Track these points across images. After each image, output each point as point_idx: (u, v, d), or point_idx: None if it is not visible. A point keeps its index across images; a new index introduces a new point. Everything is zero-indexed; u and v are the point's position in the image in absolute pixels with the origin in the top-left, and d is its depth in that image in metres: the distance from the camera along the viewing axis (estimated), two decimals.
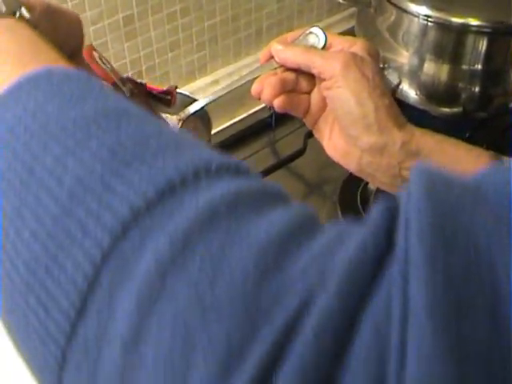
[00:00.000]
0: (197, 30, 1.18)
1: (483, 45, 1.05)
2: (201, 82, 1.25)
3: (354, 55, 0.75)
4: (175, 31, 1.15)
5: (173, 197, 0.36)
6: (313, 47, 0.79)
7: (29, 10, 0.56)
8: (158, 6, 1.10)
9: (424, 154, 0.74)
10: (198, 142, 0.42)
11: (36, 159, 0.38)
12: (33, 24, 0.56)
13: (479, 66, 1.06)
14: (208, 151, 0.40)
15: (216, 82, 1.25)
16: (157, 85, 1.14)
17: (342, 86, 0.74)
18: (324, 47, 0.79)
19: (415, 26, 1.08)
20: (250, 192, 0.38)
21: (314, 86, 0.78)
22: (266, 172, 1.12)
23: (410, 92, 1.14)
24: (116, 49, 1.09)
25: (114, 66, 1.07)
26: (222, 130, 1.24)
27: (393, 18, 1.11)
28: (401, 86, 1.15)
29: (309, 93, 0.80)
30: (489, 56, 1.06)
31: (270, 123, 1.25)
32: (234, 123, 1.25)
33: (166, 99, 0.85)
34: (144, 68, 1.15)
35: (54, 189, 0.37)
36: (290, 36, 0.82)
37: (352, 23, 1.28)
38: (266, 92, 0.77)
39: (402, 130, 0.75)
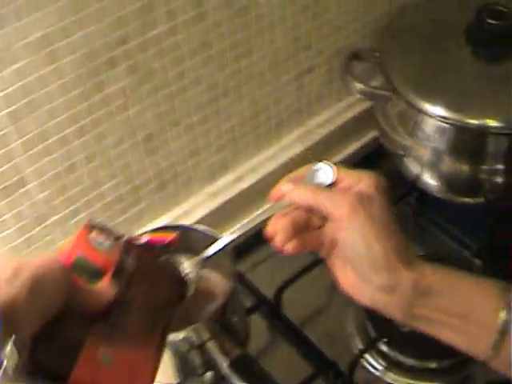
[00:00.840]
0: (215, 136, 1.19)
1: (502, 145, 1.05)
2: (223, 181, 1.26)
3: (361, 196, 0.75)
4: (194, 140, 1.17)
5: None
6: (321, 186, 0.79)
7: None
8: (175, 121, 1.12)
9: (435, 293, 0.75)
10: None
11: None
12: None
13: (500, 165, 1.06)
14: None
15: (239, 178, 1.26)
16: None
17: (349, 228, 0.74)
18: (332, 183, 0.79)
19: (432, 125, 1.08)
20: None
21: (325, 220, 0.78)
22: (300, 273, 1.14)
23: (431, 182, 1.15)
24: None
25: (137, 182, 1.10)
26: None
27: (409, 115, 1.11)
28: (422, 176, 1.15)
29: (321, 227, 0.80)
30: (509, 154, 1.05)
31: None
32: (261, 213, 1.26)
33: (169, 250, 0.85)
34: (166, 178, 1.17)
35: None
36: (299, 173, 0.82)
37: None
38: (279, 238, 0.77)
39: (412, 269, 0.75)
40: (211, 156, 1.22)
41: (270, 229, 0.79)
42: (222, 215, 1.22)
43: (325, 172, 0.80)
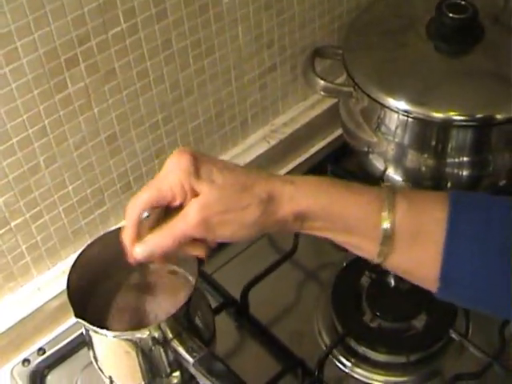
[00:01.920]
0: (181, 134, 1.19)
1: (466, 138, 1.05)
2: None
3: (201, 203, 0.74)
4: (159, 139, 1.16)
5: None
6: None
7: None
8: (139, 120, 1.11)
9: (313, 218, 0.76)
10: None
11: None
12: None
13: (464, 158, 1.06)
14: None
15: None
16: None
17: (214, 238, 0.77)
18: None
19: (395, 120, 1.07)
20: None
21: None
22: (265, 273, 1.13)
23: (397, 178, 1.14)
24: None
25: (101, 183, 1.09)
26: None
27: (373, 110, 1.10)
28: (387, 172, 1.15)
29: None
30: (473, 147, 1.06)
31: None
32: None
33: None
34: (132, 178, 1.16)
35: None
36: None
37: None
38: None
39: (287, 204, 0.76)
40: None
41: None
42: None
43: None
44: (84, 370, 1.08)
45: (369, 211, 0.75)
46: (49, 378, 1.09)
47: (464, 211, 0.74)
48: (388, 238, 0.74)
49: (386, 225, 0.73)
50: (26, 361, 1.08)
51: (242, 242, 1.20)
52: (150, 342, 0.85)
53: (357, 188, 0.78)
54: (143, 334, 0.84)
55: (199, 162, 0.75)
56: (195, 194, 0.74)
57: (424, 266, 0.74)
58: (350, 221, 0.75)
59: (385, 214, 0.74)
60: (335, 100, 1.31)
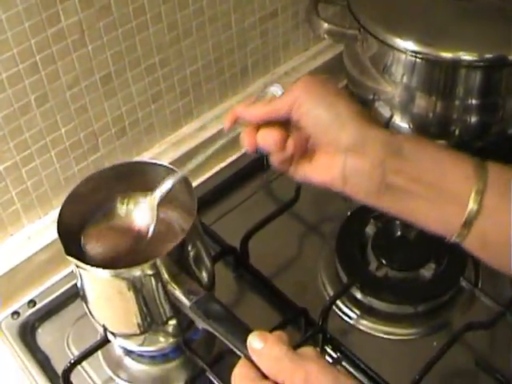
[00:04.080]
0: (179, 79, 1.14)
1: (475, 79, 1.01)
2: (188, 128, 1.20)
3: (311, 77, 0.75)
4: (156, 82, 1.11)
5: None
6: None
7: None
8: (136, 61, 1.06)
9: (407, 156, 0.72)
10: None
11: None
12: None
13: (473, 100, 1.03)
14: None
15: (204, 126, 1.21)
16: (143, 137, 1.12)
17: (307, 102, 0.73)
18: None
19: (402, 61, 1.04)
20: None
21: None
22: (265, 221, 1.08)
23: (403, 125, 1.11)
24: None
25: (95, 127, 1.04)
26: (215, 174, 1.21)
27: (379, 53, 1.07)
28: (393, 120, 1.11)
29: None
30: (482, 89, 1.02)
31: (261, 163, 1.22)
32: (226, 166, 1.22)
33: None
34: (127, 123, 1.11)
35: None
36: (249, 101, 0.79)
37: (340, 48, 1.24)
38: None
39: (381, 130, 0.73)
40: (175, 101, 1.16)
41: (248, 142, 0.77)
42: (185, 165, 1.16)
43: (274, 92, 0.80)
44: (76, 322, 1.04)
45: (460, 165, 0.71)
46: (39, 331, 1.05)
47: None
48: (478, 201, 0.69)
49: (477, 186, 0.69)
50: (15, 313, 1.04)
51: (247, 193, 1.20)
52: (145, 282, 0.80)
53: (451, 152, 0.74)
54: (137, 272, 0.79)
55: None
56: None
57: None
58: (443, 168, 0.71)
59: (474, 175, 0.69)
60: (337, 51, 1.28)
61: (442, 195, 0.71)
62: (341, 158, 0.73)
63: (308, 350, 0.67)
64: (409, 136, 0.73)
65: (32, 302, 1.05)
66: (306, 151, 0.76)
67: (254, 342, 0.68)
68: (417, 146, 0.73)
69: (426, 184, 0.71)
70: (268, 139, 0.75)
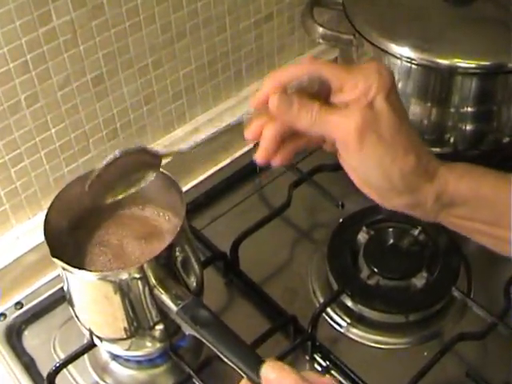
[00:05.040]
0: (171, 81, 1.13)
1: (471, 86, 1.00)
2: (180, 131, 1.19)
3: (365, 116, 0.67)
4: (149, 84, 1.10)
5: None
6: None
7: None
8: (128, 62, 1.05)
9: (460, 203, 0.71)
10: None
11: None
12: None
13: (468, 108, 1.02)
14: None
15: (196, 129, 1.20)
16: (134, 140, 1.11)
17: (360, 157, 0.68)
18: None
19: (398, 67, 1.03)
20: None
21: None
22: (256, 226, 1.07)
23: None
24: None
25: (86, 128, 1.03)
26: (206, 178, 1.20)
27: (374, 58, 1.06)
28: None
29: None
30: (478, 97, 1.02)
31: (254, 168, 1.21)
32: (218, 170, 1.21)
33: None
34: (119, 125, 1.10)
35: None
36: (283, 77, 0.71)
37: (336, 53, 1.23)
38: (265, 150, 0.72)
39: (434, 182, 0.70)
40: (167, 104, 1.15)
41: (252, 130, 0.72)
42: (177, 168, 1.15)
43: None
44: (63, 325, 1.03)
45: None
46: (26, 333, 1.04)
47: None
48: None
49: None
50: (1, 315, 1.03)
51: (239, 197, 1.19)
52: (132, 286, 0.79)
53: (501, 173, 0.73)
54: (123, 276, 0.78)
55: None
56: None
57: None
58: (498, 207, 0.70)
59: None
60: (332, 56, 1.27)
61: (499, 231, 0.71)
62: (390, 204, 0.73)
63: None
64: (461, 177, 0.70)
65: (19, 304, 1.04)
66: None
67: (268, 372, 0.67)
68: (469, 191, 0.71)
69: (481, 222, 0.71)
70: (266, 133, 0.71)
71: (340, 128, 0.68)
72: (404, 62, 1.01)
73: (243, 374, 0.69)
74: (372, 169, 0.69)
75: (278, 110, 0.69)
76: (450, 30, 1.02)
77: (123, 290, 0.79)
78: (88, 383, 0.96)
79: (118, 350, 0.90)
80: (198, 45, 1.13)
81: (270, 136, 0.71)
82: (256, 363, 0.68)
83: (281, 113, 0.69)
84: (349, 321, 1.01)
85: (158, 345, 0.88)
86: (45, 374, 0.92)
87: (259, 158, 0.72)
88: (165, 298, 0.80)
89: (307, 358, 0.97)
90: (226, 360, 0.72)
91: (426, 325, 1.00)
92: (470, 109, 1.02)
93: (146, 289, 0.80)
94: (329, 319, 1.02)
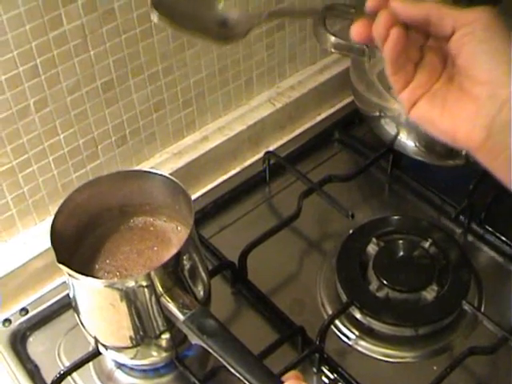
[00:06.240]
0: (182, 88, 1.12)
1: None
2: (190, 139, 1.18)
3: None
4: (159, 91, 1.09)
5: None
6: None
7: None
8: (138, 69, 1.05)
9: None
10: None
11: None
12: None
13: None
14: None
15: (206, 138, 1.19)
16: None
17: (481, 41, 0.62)
18: None
19: None
20: None
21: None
22: (265, 236, 1.06)
23: (409, 143, 1.09)
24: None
25: (95, 134, 1.02)
26: (215, 187, 1.19)
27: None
28: (399, 137, 1.09)
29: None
30: None
31: (263, 177, 1.20)
32: (228, 179, 1.20)
33: None
34: (128, 131, 1.09)
35: None
36: None
37: (348, 63, 1.22)
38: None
39: None
40: (177, 111, 1.14)
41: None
42: (185, 176, 1.14)
43: None
44: (69, 332, 1.02)
45: None
46: (30, 339, 1.03)
47: None
48: None
49: None
50: (7, 321, 1.02)
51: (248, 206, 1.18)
52: (138, 294, 0.78)
53: None
54: (130, 283, 0.77)
55: None
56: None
57: None
58: None
59: None
60: (344, 66, 1.27)
61: None
62: (492, 110, 0.61)
63: None
64: None
65: (24, 310, 1.03)
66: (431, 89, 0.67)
67: None
68: None
69: None
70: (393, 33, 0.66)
71: (465, 13, 0.63)
72: None
73: None
74: (486, 59, 0.61)
75: None
76: None
77: (130, 297, 0.78)
78: None
79: (124, 358, 0.89)
80: (209, 52, 1.12)
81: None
82: (263, 374, 0.67)
83: None
84: (357, 333, 1.00)
85: (164, 354, 0.87)
86: (49, 382, 0.92)
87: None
88: (172, 306, 0.80)
89: (315, 370, 0.96)
90: (232, 371, 0.71)
91: (435, 339, 0.98)
92: None
93: (153, 297, 0.79)
94: (337, 331, 1.00)
